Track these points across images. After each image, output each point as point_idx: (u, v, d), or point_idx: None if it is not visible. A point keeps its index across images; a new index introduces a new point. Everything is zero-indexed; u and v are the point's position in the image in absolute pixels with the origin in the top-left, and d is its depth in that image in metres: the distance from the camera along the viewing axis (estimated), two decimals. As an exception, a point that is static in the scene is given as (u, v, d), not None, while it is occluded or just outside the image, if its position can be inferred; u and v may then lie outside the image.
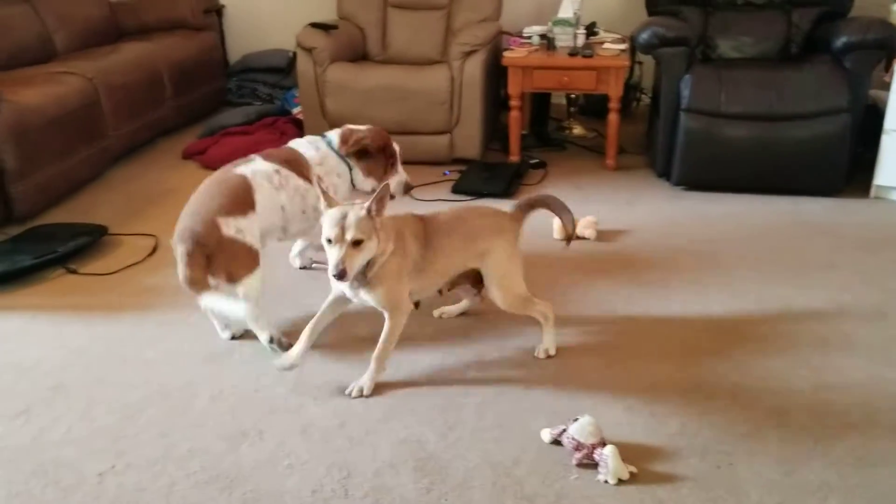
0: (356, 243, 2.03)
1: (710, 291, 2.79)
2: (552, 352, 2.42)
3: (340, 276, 2.01)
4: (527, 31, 4.30)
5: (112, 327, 2.64)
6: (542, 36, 4.21)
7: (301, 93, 4.18)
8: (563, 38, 4.11)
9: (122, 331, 2.62)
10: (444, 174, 4.01)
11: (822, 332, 2.51)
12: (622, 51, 3.97)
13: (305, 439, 2.05)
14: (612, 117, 3.95)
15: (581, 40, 4.08)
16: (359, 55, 4.42)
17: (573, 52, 3.97)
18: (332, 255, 2.03)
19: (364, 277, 2.14)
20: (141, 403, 2.22)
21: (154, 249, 3.22)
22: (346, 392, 2.23)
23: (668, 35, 3.63)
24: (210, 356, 2.46)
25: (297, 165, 2.68)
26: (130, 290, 2.91)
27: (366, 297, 2.20)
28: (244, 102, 5.10)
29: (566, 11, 4.16)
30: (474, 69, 3.95)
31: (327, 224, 2.05)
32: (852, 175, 3.63)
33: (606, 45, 4.06)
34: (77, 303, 2.82)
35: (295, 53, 4.26)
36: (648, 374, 2.31)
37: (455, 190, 3.78)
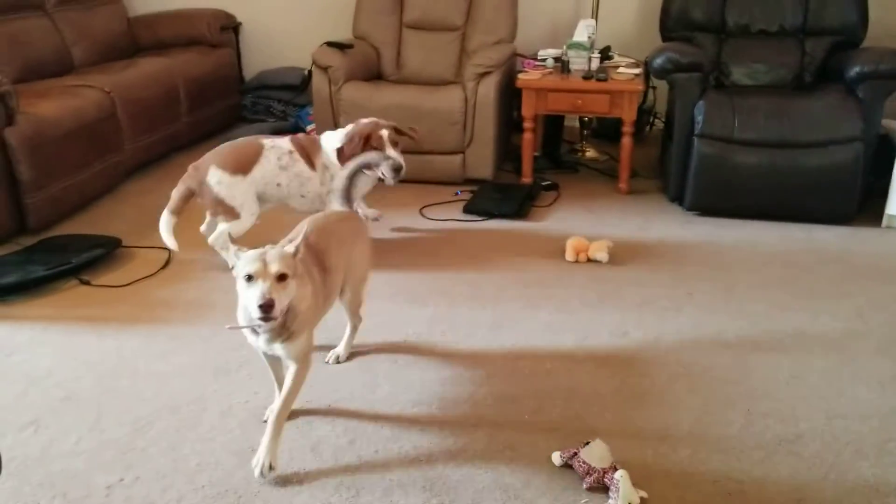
0: (281, 277, 1.80)
1: (722, 317, 2.78)
2: (343, 359, 2.48)
3: (267, 308, 1.75)
4: (541, 53, 4.33)
5: (124, 339, 2.65)
6: (557, 59, 4.24)
7: (316, 110, 4.21)
8: (578, 62, 4.13)
9: (133, 343, 2.62)
10: (456, 194, 4.02)
11: (834, 361, 2.50)
12: (636, 75, 3.99)
13: (315, 456, 2.05)
14: (626, 141, 3.96)
15: (595, 64, 4.10)
16: (373, 74, 4.45)
17: (587, 76, 4.00)
18: (255, 291, 1.77)
19: (284, 329, 1.91)
20: (151, 416, 2.22)
21: (167, 263, 3.23)
22: (255, 473, 1.94)
23: (683, 60, 3.65)
24: (221, 370, 2.46)
25: (310, 154, 3.17)
26: (143, 303, 2.91)
27: (281, 351, 1.95)
28: (258, 119, 5.14)
29: (581, 35, 4.19)
30: (488, 90, 3.97)
31: (244, 262, 1.81)
32: (865, 204, 3.63)
33: (621, 70, 4.08)
34: (89, 314, 2.83)
35: (310, 71, 4.29)
36: (660, 398, 2.30)
37: (467, 210, 3.79)
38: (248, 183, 3.07)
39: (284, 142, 3.17)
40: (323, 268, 2.10)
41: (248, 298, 1.80)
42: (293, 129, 4.73)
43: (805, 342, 2.62)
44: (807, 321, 2.75)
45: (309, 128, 4.62)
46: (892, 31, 4.18)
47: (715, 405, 2.27)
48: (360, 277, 2.41)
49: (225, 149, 3.12)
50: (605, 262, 3.21)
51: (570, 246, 3.25)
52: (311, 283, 1.99)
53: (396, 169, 3.06)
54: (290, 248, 1.89)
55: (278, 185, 3.13)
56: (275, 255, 1.82)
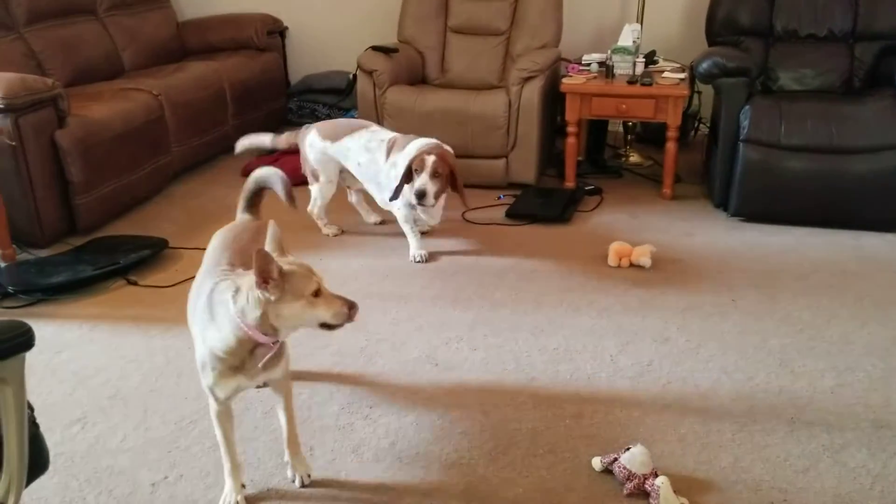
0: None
1: (767, 324, 2.73)
2: None
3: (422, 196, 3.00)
4: (586, 58, 4.31)
5: (169, 339, 2.70)
6: (601, 63, 4.21)
7: (360, 114, 4.25)
8: (623, 66, 4.10)
9: (178, 343, 2.67)
10: (499, 198, 4.02)
11: (881, 370, 2.44)
12: (682, 80, 3.94)
13: (356, 457, 2.06)
14: (670, 146, 3.91)
15: (640, 68, 4.07)
16: (418, 78, 4.47)
17: (632, 80, 3.96)
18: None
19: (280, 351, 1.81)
20: (195, 416, 2.26)
21: (212, 263, 3.29)
22: (297, 485, 1.97)
23: (729, 65, 3.60)
24: (263, 370, 2.49)
25: (392, 149, 3.34)
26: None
27: (274, 374, 1.83)
28: (304, 122, 5.18)
29: (626, 40, 4.16)
30: (532, 95, 3.96)
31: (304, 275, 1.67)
32: (917, 211, 3.53)
33: (666, 74, 4.04)
34: (136, 314, 2.89)
35: (355, 75, 4.33)
36: (702, 404, 2.27)
37: (509, 214, 3.79)
38: (333, 150, 3.41)
39: (385, 132, 3.43)
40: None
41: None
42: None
43: (851, 350, 2.56)
44: (854, 329, 2.69)
45: (352, 131, 4.66)
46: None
47: (758, 412, 2.23)
48: None
49: (334, 120, 3.59)
50: (649, 267, 3.18)
51: (613, 251, 3.23)
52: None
53: (418, 194, 3.11)
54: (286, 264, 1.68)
55: (359, 163, 3.39)
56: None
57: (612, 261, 3.20)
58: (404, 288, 3.04)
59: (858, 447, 2.08)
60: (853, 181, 3.42)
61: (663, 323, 2.76)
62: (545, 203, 3.83)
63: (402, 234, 3.39)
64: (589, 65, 4.22)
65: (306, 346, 2.59)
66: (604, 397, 2.32)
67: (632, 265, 3.20)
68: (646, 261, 3.18)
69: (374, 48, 4.22)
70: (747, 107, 3.56)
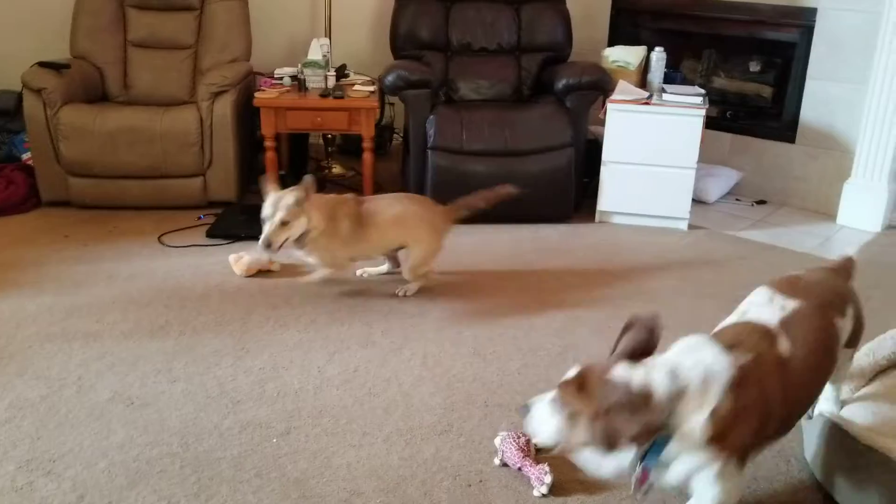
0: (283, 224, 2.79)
1: (461, 318, 2.94)
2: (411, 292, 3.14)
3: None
4: (278, 72, 4.31)
5: None
6: (294, 77, 4.24)
7: (31, 137, 3.85)
8: (315, 80, 4.16)
9: None
10: (199, 218, 3.88)
11: (560, 347, 2.74)
12: (372, 92, 4.10)
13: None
14: (367, 156, 4.05)
15: (332, 82, 4.16)
16: (97, 96, 4.16)
17: (325, 94, 4.04)
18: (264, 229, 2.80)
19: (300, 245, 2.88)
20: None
21: None
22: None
23: (412, 78, 3.81)
24: None
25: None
26: None
27: (306, 259, 2.99)
28: (-36, 148, 4.58)
29: (315, 54, 4.22)
30: (224, 109, 3.88)
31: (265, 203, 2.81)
32: (581, 202, 4.03)
33: (357, 87, 4.17)
34: None
35: (20, 94, 3.92)
36: (406, 401, 2.37)
37: (210, 234, 3.67)
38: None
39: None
40: (359, 223, 3.01)
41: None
42: (8, 158, 4.28)
43: (534, 333, 2.84)
44: (536, 312, 3.00)
45: (25, 156, 4.21)
46: (593, 46, 4.67)
47: (457, 401, 2.39)
48: (417, 256, 3.13)
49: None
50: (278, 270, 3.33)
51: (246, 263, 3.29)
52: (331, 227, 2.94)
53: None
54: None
55: None
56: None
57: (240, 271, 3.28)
58: (93, 325, 2.81)
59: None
60: (527, 180, 3.78)
61: (368, 328, 2.85)
62: (249, 220, 3.75)
63: (84, 263, 3.14)
64: (282, 78, 4.23)
65: (-25, 403, 2.29)
66: (311, 410, 2.34)
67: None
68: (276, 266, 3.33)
69: (42, 64, 3.86)
70: (432, 116, 3.80)
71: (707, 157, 4.20)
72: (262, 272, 3.29)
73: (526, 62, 4.34)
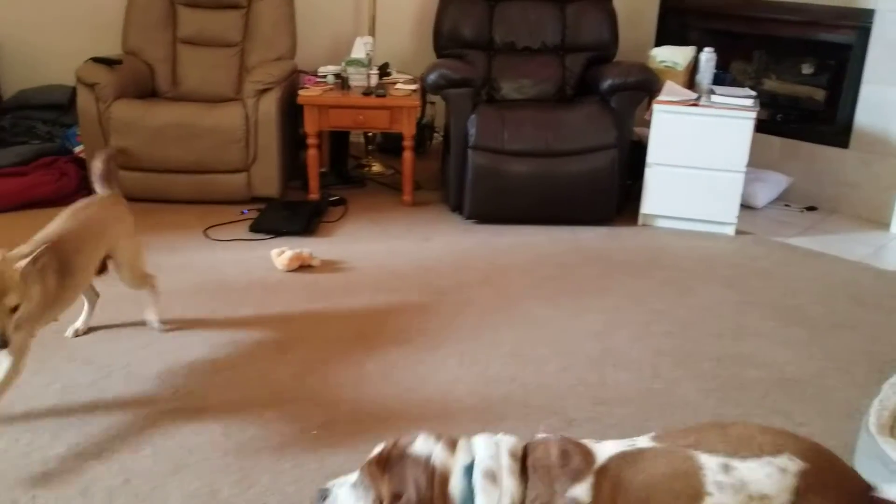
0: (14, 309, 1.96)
1: (499, 318, 2.94)
2: (156, 323, 2.73)
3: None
4: (322, 70, 4.35)
5: None
6: (337, 75, 4.28)
7: (83, 131, 3.95)
8: (357, 78, 4.19)
9: None
10: (243, 213, 3.94)
11: (596, 350, 2.73)
12: (413, 91, 4.12)
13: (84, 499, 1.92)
14: (407, 155, 4.07)
15: (374, 80, 4.19)
16: (147, 92, 4.25)
17: (367, 92, 4.07)
18: None
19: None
20: None
21: None
22: None
23: (454, 77, 3.82)
24: None
25: None
26: None
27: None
28: (20, 141, 4.70)
29: (359, 52, 4.26)
30: (269, 107, 3.93)
31: None
32: (623, 205, 4.00)
33: (399, 86, 4.20)
34: None
35: (75, 89, 4.03)
36: (442, 401, 2.39)
37: (253, 229, 3.73)
38: None
39: None
40: (63, 270, 2.20)
41: None
42: (60, 151, 4.39)
43: (572, 336, 2.84)
44: (573, 315, 2.98)
45: (77, 149, 4.32)
46: (640, 46, 4.64)
47: (494, 402, 2.40)
48: (129, 257, 2.59)
49: None
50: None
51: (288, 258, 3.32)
52: (39, 291, 2.09)
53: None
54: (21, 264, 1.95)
55: None
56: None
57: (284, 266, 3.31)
58: (140, 314, 2.86)
59: (581, 423, 2.30)
60: (568, 181, 3.79)
61: (405, 325, 2.87)
62: (290, 216, 3.82)
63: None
64: (325, 76, 4.27)
65: (29, 385, 2.36)
66: (350, 403, 2.36)
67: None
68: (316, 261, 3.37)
69: (95, 59, 3.95)
70: (473, 116, 3.81)
71: (756, 160, 4.13)
72: (303, 267, 3.33)
73: (570, 62, 4.32)
